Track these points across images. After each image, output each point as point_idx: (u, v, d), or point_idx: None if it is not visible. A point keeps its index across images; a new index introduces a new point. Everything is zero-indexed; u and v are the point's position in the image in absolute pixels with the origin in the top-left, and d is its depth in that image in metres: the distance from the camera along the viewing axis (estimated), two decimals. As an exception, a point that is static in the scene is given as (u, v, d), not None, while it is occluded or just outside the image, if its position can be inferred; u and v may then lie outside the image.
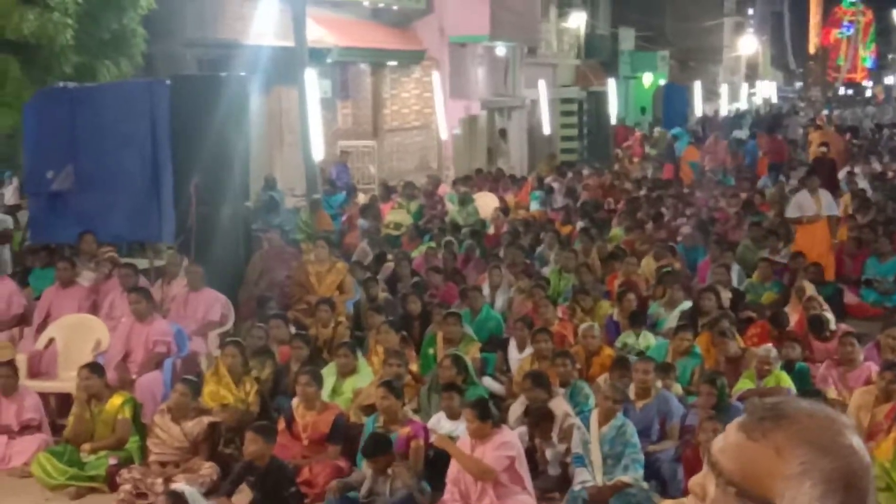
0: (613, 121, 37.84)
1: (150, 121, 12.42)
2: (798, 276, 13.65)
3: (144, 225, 12.63)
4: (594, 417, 8.32)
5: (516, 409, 9.11)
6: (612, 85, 38.64)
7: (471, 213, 19.35)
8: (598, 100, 38.39)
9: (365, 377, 9.86)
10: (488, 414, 7.97)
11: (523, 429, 8.71)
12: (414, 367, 10.39)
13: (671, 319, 11.96)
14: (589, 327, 10.70)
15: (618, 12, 43.31)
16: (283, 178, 21.05)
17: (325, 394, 9.29)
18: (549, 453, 8.62)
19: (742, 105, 59.19)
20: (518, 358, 10.80)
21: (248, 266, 12.83)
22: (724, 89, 56.61)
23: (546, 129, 33.70)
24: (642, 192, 22.51)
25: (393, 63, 26.08)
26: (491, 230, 18.36)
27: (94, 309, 11.42)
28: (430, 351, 10.89)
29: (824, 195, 15.50)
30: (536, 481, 8.24)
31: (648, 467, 8.24)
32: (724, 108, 53.17)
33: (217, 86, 12.79)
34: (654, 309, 12.53)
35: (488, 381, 10.46)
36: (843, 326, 11.63)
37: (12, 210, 16.58)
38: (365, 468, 8.15)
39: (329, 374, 9.77)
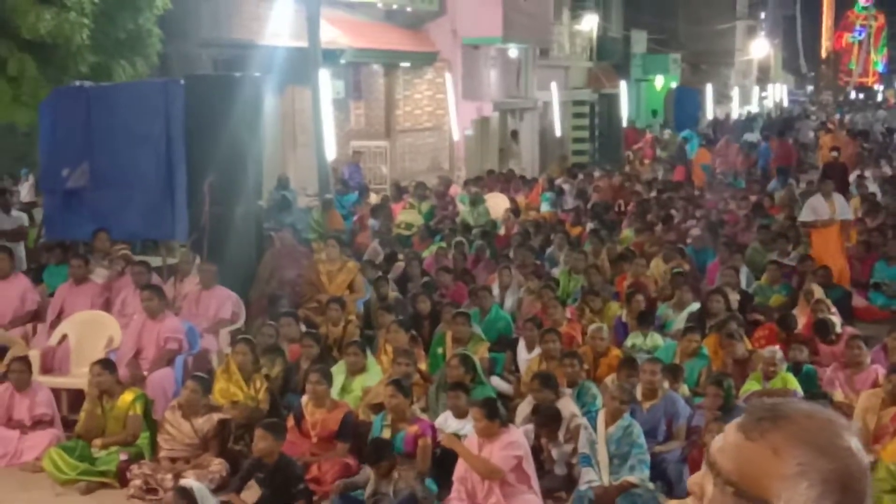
0: (625, 123, 37.84)
1: (165, 120, 12.50)
2: (806, 279, 13.69)
3: (158, 223, 12.70)
4: (601, 418, 8.37)
5: (524, 408, 9.17)
6: (623, 87, 38.63)
7: (481, 214, 19.40)
8: (610, 102, 38.38)
9: (374, 376, 9.92)
10: (496, 413, 8.02)
11: (529, 427, 8.76)
12: (423, 366, 10.46)
13: (679, 321, 12.00)
14: (597, 328, 10.75)
15: (630, 15, 43.27)
16: (295, 178, 21.13)
17: (334, 392, 9.36)
18: (555, 453, 8.67)
19: (753, 108, 59.09)
20: (527, 358, 10.86)
21: (260, 265, 12.91)
22: (735, 92, 56.53)
23: (557, 131, 33.72)
24: (652, 195, 22.53)
25: (406, 64, 26.14)
26: (501, 231, 18.42)
27: (107, 306, 11.51)
28: (439, 350, 10.96)
29: (838, 199, 15.51)
30: (542, 481, 8.29)
31: (655, 468, 8.29)
32: (736, 112, 53.10)
33: (231, 86, 12.87)
34: (662, 310, 12.57)
35: (496, 381, 10.53)
36: (850, 329, 11.67)
37: (28, 207, 16.71)
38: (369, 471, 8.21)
39: (338, 372, 9.84)
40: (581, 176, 25.98)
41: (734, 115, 50.79)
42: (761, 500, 1.58)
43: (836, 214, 15.21)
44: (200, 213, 12.15)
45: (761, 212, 19.67)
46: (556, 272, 14.55)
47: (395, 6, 25.47)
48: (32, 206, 16.75)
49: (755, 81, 64.36)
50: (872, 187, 23.02)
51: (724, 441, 1.66)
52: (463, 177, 26.20)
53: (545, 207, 21.44)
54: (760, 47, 62.96)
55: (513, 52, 30.29)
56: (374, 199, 20.89)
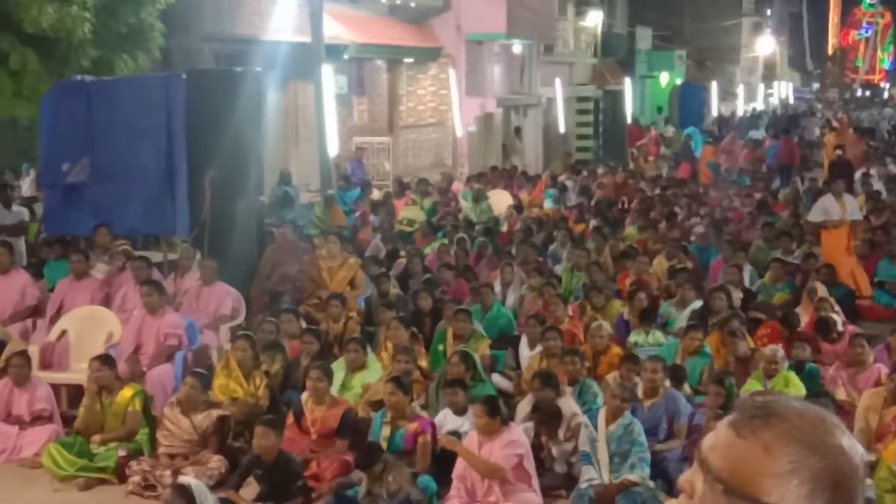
0: (629, 120, 37.81)
1: (166, 115, 12.47)
2: (810, 277, 13.63)
3: (159, 218, 12.67)
4: (602, 416, 8.33)
5: (524, 406, 9.13)
6: (628, 84, 38.59)
7: (484, 211, 19.38)
8: (615, 99, 38.33)
9: (374, 373, 9.89)
10: (497, 411, 7.98)
11: (529, 425, 8.72)
12: (423, 363, 10.42)
13: (682, 319, 11.96)
14: (597, 326, 10.71)
15: (635, 11, 43.23)
16: (298, 174, 21.11)
17: (334, 389, 9.32)
18: (555, 451, 8.63)
19: (759, 105, 59.01)
20: (529, 355, 10.82)
21: (261, 261, 12.88)
22: (740, 89, 56.50)
23: (561, 128, 33.69)
24: (656, 192, 22.48)
25: (409, 60, 26.12)
26: (504, 227, 18.39)
27: (107, 301, 11.48)
28: (440, 347, 10.92)
29: (849, 200, 15.43)
30: (542, 479, 8.25)
31: (655, 466, 8.25)
32: (741, 109, 53.04)
33: (233, 81, 12.84)
34: (665, 308, 12.53)
35: (497, 379, 10.49)
36: (853, 328, 11.62)
37: (29, 202, 16.70)
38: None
39: (338, 369, 9.81)
40: (585, 173, 25.94)
41: (739, 113, 50.71)
42: (751, 497, 1.57)
43: (847, 215, 15.11)
44: (201, 209, 12.11)
45: (765, 209, 19.61)
46: (558, 269, 14.51)
47: (398, 1, 25.45)
48: (34, 200, 16.74)
49: (761, 78, 64.31)
50: (878, 185, 22.94)
51: (716, 439, 1.65)
52: (466, 173, 26.18)
53: (548, 204, 21.41)
54: (766, 44, 62.88)
55: (517, 48, 30.25)
56: (376, 195, 20.87)
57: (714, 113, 47.38)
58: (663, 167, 28.69)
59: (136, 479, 8.55)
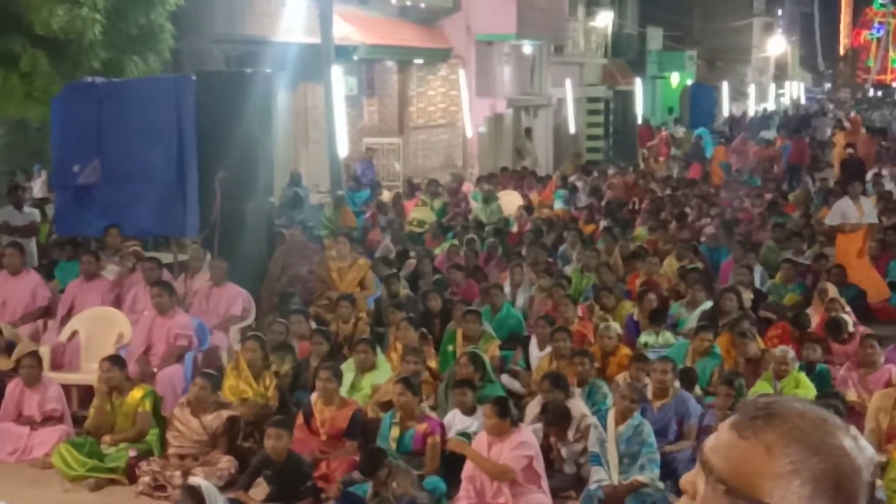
0: (640, 120, 37.77)
1: (176, 116, 12.51)
2: (821, 277, 13.60)
3: (169, 219, 12.71)
4: (611, 416, 8.31)
5: (533, 407, 9.13)
6: (639, 84, 38.56)
7: (494, 212, 19.37)
8: (625, 99, 38.30)
9: (384, 373, 9.89)
10: (508, 412, 7.98)
11: (539, 426, 8.72)
12: (433, 364, 10.42)
13: (692, 319, 11.94)
14: (605, 327, 10.70)
15: (646, 11, 43.18)
16: (308, 175, 21.13)
17: (343, 389, 9.32)
18: (564, 452, 8.63)
19: (770, 106, 58.88)
20: (538, 356, 10.82)
21: (271, 261, 12.90)
22: (752, 89, 56.38)
23: (572, 128, 33.68)
24: (667, 192, 22.45)
25: (419, 61, 26.13)
26: (514, 228, 18.38)
27: (118, 302, 11.51)
28: (450, 348, 10.92)
29: (866, 202, 15.28)
30: (552, 480, 8.25)
31: (665, 467, 8.23)
32: (752, 109, 52.93)
33: (242, 82, 12.85)
34: (675, 309, 12.51)
35: (507, 379, 10.49)
36: (863, 329, 11.58)
37: (41, 203, 16.73)
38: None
39: (348, 369, 9.81)
40: (595, 173, 25.92)
41: (750, 113, 50.60)
42: (753, 498, 1.57)
43: (864, 218, 14.98)
44: (211, 210, 12.14)
45: (776, 210, 19.57)
46: (568, 270, 14.50)
47: (408, 2, 25.45)
48: (45, 201, 16.78)
49: (772, 79, 64.17)
50: (889, 186, 22.87)
51: (717, 440, 1.65)
52: (476, 174, 26.19)
53: (558, 205, 21.39)
54: (777, 44, 62.76)
55: (527, 48, 30.25)
56: (386, 195, 20.88)
57: (725, 113, 47.30)
58: (674, 168, 28.65)
59: (146, 479, 8.57)
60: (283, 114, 19.40)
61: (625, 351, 10.48)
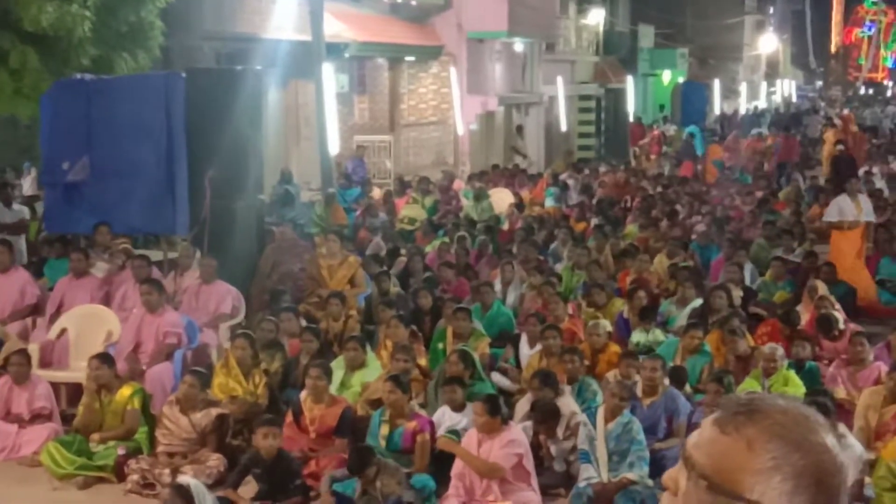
0: (631, 118, 37.79)
1: (166, 113, 12.48)
2: (811, 275, 13.61)
3: (159, 217, 12.68)
4: (601, 414, 8.31)
5: (523, 405, 9.12)
6: (630, 82, 38.56)
7: (485, 209, 19.37)
8: (617, 97, 38.33)
9: (373, 371, 9.88)
10: (498, 410, 7.98)
11: (528, 424, 8.72)
12: (423, 361, 10.41)
13: (682, 317, 11.94)
14: (594, 324, 10.70)
15: (637, 9, 43.21)
16: (299, 172, 21.11)
17: (333, 387, 9.31)
18: (553, 449, 8.63)
19: (761, 104, 58.95)
20: (528, 354, 10.81)
21: (261, 259, 12.88)
22: (743, 87, 56.44)
23: (563, 126, 33.67)
24: (658, 190, 22.47)
25: (410, 58, 26.11)
26: (505, 226, 18.37)
27: (107, 300, 11.48)
28: (440, 346, 10.91)
29: (864, 200, 15.20)
30: (541, 477, 8.25)
31: (654, 465, 8.22)
32: (743, 107, 53.00)
33: (232, 79, 12.83)
34: (665, 306, 12.52)
35: (497, 377, 10.48)
36: (854, 326, 11.60)
37: (30, 200, 16.71)
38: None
39: (338, 367, 9.79)
40: (586, 171, 25.93)
41: (742, 111, 50.66)
42: (734, 494, 1.58)
43: (862, 216, 14.92)
44: (201, 207, 12.11)
45: (767, 207, 19.60)
46: (559, 268, 14.49)
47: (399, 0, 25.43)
48: (35, 199, 16.74)
49: (763, 76, 64.23)
50: (880, 184, 22.92)
51: (700, 436, 1.66)
52: (467, 171, 26.18)
53: (549, 203, 21.38)
54: (769, 42, 62.83)
55: (518, 46, 30.24)
56: (376, 193, 20.87)
57: (716, 111, 47.34)
58: (665, 165, 28.69)
59: (135, 477, 8.55)
60: (273, 111, 19.39)
61: (614, 348, 10.47)
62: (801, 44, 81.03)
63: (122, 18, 15.76)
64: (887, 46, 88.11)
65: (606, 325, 10.95)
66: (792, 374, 9.52)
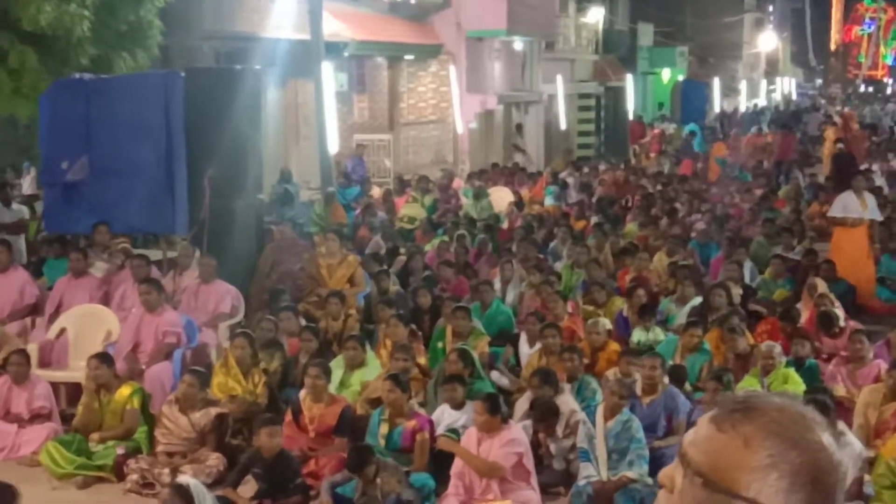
0: (631, 116, 37.78)
1: (165, 113, 12.47)
2: (810, 273, 13.60)
3: (158, 216, 12.68)
4: (600, 412, 8.31)
5: (522, 403, 9.12)
6: (630, 80, 38.54)
7: (485, 208, 19.36)
8: (616, 95, 38.30)
9: (373, 370, 9.87)
10: (498, 409, 7.97)
11: (528, 422, 8.72)
12: (422, 360, 10.40)
13: (681, 315, 11.94)
14: (593, 323, 10.70)
15: (637, 7, 43.17)
16: (298, 171, 21.11)
17: (332, 386, 9.31)
18: (553, 448, 8.62)
19: (761, 102, 58.94)
20: (528, 353, 10.81)
21: (260, 258, 12.87)
22: (743, 85, 56.42)
23: (563, 125, 33.65)
24: (658, 188, 22.47)
25: (410, 57, 26.10)
26: (505, 224, 18.36)
27: (106, 299, 11.48)
28: (439, 345, 10.90)
29: (869, 198, 15.06)
30: (540, 476, 8.24)
31: (654, 463, 8.21)
32: (743, 105, 53.00)
33: (232, 79, 12.82)
34: (664, 305, 12.51)
35: (496, 376, 10.47)
36: (854, 324, 11.59)
37: (30, 200, 16.70)
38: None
39: (337, 366, 9.79)
40: (586, 169, 25.92)
41: (741, 109, 50.66)
42: (730, 491, 1.58)
43: (867, 213, 14.83)
44: (200, 207, 12.11)
45: (766, 205, 19.59)
46: (558, 266, 14.48)
47: (399, -2, 25.44)
48: (34, 198, 16.74)
49: (763, 74, 64.23)
50: (879, 181, 22.90)
51: (696, 434, 1.66)
52: (467, 170, 26.17)
53: (549, 201, 21.38)
54: (768, 40, 62.81)
55: (517, 44, 30.22)
56: (376, 192, 20.87)
57: (716, 109, 47.33)
58: (665, 164, 28.68)
59: (135, 477, 8.55)
60: (273, 110, 19.40)
61: (614, 347, 10.47)
62: (801, 41, 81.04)
63: (121, 18, 15.77)
64: (887, 44, 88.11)
65: (606, 323, 10.95)
66: (791, 371, 9.53)
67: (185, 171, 12.37)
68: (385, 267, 13.61)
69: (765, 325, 11.52)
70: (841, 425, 7.75)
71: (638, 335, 11.24)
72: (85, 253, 11.95)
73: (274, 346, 10.34)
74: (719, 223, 17.29)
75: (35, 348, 10.37)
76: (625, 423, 8.19)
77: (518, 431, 8.10)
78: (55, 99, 13.04)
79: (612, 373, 9.61)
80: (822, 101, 65.97)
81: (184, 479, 7.53)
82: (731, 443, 1.59)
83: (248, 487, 8.22)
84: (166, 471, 8.49)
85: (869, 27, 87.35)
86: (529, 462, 8.02)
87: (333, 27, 20.67)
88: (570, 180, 23.40)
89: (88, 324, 10.83)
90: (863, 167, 24.14)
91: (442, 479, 8.13)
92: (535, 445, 8.51)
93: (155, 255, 12.99)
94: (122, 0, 15.66)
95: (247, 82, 12.77)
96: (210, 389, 9.33)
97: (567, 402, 8.84)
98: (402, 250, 15.18)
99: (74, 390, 10.02)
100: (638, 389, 9.00)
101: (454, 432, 8.43)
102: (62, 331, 10.80)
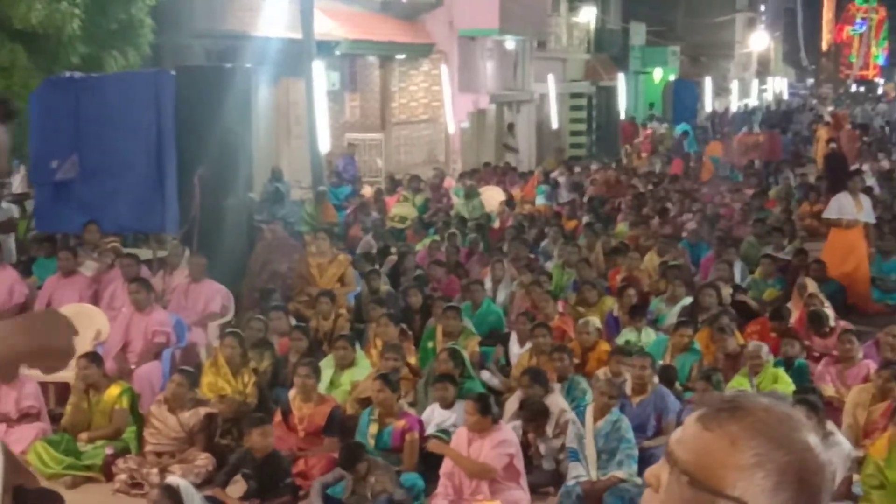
0: (623, 116, 37.79)
1: (155, 111, 12.44)
2: (800, 273, 13.61)
3: (148, 215, 12.64)
4: (589, 412, 8.31)
5: (512, 403, 9.11)
6: (621, 80, 38.56)
7: (476, 207, 19.36)
8: (608, 94, 38.32)
9: (363, 370, 9.86)
10: (489, 409, 7.97)
11: (517, 423, 8.71)
12: (412, 360, 10.39)
13: (672, 315, 11.94)
14: (583, 323, 10.69)
15: (629, 7, 43.18)
16: (289, 170, 21.06)
17: (322, 386, 9.30)
18: (542, 448, 8.62)
19: (752, 101, 59.00)
20: (518, 352, 10.80)
21: (251, 258, 12.85)
22: (734, 85, 56.48)
23: (554, 124, 33.66)
24: (649, 188, 22.49)
25: (401, 56, 26.08)
26: (496, 224, 18.36)
27: (96, 299, 11.45)
28: (430, 344, 10.89)
29: (864, 200, 15.02)
30: (530, 476, 8.24)
31: (643, 463, 8.20)
32: (734, 105, 53.06)
33: (222, 77, 12.80)
34: (655, 304, 12.52)
35: (487, 376, 10.47)
36: (843, 323, 11.60)
37: (20, 198, 16.63)
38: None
39: (327, 366, 9.78)
40: (577, 169, 25.93)
41: (733, 108, 50.72)
42: (716, 490, 1.59)
43: (862, 216, 14.80)
44: (191, 206, 12.09)
45: (757, 205, 19.62)
46: (549, 266, 14.47)
47: (390, -3, 25.43)
48: (24, 197, 16.66)
49: (755, 74, 64.29)
50: (870, 181, 22.91)
51: (683, 432, 1.66)
52: (459, 169, 26.16)
53: (540, 200, 21.39)
54: (760, 40, 62.88)
55: (509, 44, 30.22)
56: (367, 191, 20.85)
57: (708, 109, 47.38)
58: (656, 163, 28.70)
59: (123, 477, 8.54)
60: (264, 109, 19.36)
61: (604, 347, 10.47)
62: (793, 41, 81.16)
63: (111, 16, 15.73)
64: (878, 44, 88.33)
65: (596, 322, 10.94)
66: (781, 371, 9.54)
67: (175, 170, 12.33)
68: (376, 266, 13.59)
69: (755, 325, 11.53)
70: (830, 425, 7.76)
71: (627, 335, 11.23)
72: (74, 252, 11.92)
73: (264, 345, 10.32)
74: (710, 223, 17.30)
75: (24, 347, 10.31)
76: (614, 423, 8.19)
77: (509, 432, 8.10)
78: (45, 97, 12.98)
79: (601, 372, 9.61)
80: (814, 101, 66.04)
81: (173, 479, 7.53)
82: (718, 442, 1.60)
83: (237, 487, 8.21)
84: (155, 471, 8.48)
85: (860, 27, 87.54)
86: (520, 462, 8.03)
87: (325, 26, 20.65)
88: (561, 180, 23.42)
89: (78, 323, 10.65)
90: (854, 167, 24.19)
91: (431, 478, 8.13)
92: (525, 445, 8.51)
93: (145, 254, 12.96)
94: (114, -1, 15.64)
95: (238, 81, 12.75)
96: (199, 389, 9.32)
97: (557, 401, 8.84)
98: (393, 250, 15.17)
99: (63, 390, 9.98)
100: (628, 389, 9.01)
101: (444, 432, 8.42)
102: (51, 330, 10.74)
